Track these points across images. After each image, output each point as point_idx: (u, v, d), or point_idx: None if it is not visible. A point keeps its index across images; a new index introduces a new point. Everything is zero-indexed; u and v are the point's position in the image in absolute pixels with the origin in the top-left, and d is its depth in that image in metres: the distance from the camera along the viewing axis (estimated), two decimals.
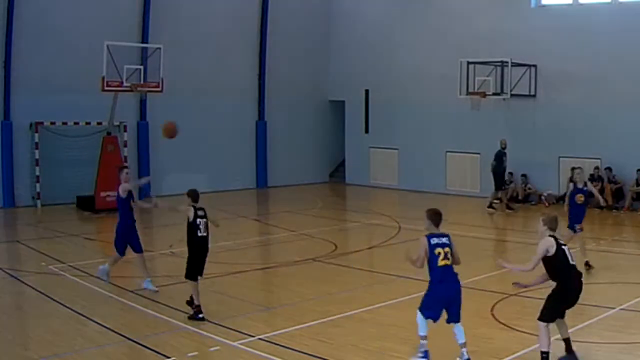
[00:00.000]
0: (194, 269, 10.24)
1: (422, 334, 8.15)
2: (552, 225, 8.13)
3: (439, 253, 8.01)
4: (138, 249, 11.74)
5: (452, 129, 24.93)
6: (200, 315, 10.00)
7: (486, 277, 12.43)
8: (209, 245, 10.38)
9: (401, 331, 9.40)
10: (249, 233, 18.42)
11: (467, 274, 12.46)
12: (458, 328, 8.10)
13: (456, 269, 8.15)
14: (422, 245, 8.04)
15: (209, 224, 10.38)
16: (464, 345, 8.05)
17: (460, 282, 8.18)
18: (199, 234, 10.16)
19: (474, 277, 12.23)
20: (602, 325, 9.53)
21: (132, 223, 11.67)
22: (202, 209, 10.32)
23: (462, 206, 22.86)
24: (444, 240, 8.12)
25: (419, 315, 8.14)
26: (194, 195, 10.37)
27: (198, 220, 10.16)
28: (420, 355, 8.15)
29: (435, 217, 8.26)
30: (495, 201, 21.39)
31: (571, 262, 7.96)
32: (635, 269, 13.58)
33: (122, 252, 11.71)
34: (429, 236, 8.10)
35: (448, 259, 8.05)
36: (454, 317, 8.09)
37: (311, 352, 8.59)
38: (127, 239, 11.66)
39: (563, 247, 7.99)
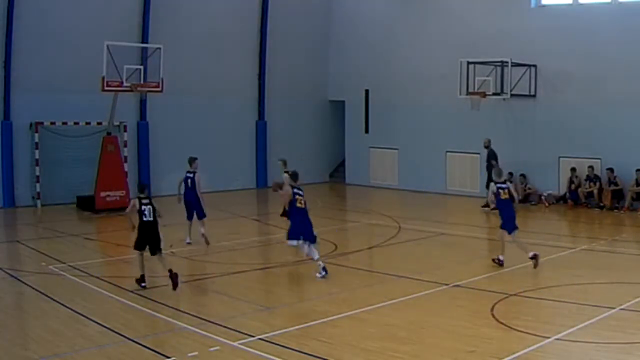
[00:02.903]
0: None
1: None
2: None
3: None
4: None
5: (452, 129, 24.90)
6: (143, 284, 11.49)
7: (486, 277, 12.41)
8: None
9: (401, 331, 9.39)
10: (249, 233, 18.41)
11: (467, 274, 12.53)
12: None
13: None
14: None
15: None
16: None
17: None
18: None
19: (474, 277, 12.22)
20: (602, 325, 9.51)
21: None
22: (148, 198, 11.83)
23: (462, 206, 22.85)
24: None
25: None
26: None
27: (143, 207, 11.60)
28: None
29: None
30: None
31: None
32: (635, 269, 13.55)
33: None
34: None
35: None
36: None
37: (311, 352, 8.58)
38: None
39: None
